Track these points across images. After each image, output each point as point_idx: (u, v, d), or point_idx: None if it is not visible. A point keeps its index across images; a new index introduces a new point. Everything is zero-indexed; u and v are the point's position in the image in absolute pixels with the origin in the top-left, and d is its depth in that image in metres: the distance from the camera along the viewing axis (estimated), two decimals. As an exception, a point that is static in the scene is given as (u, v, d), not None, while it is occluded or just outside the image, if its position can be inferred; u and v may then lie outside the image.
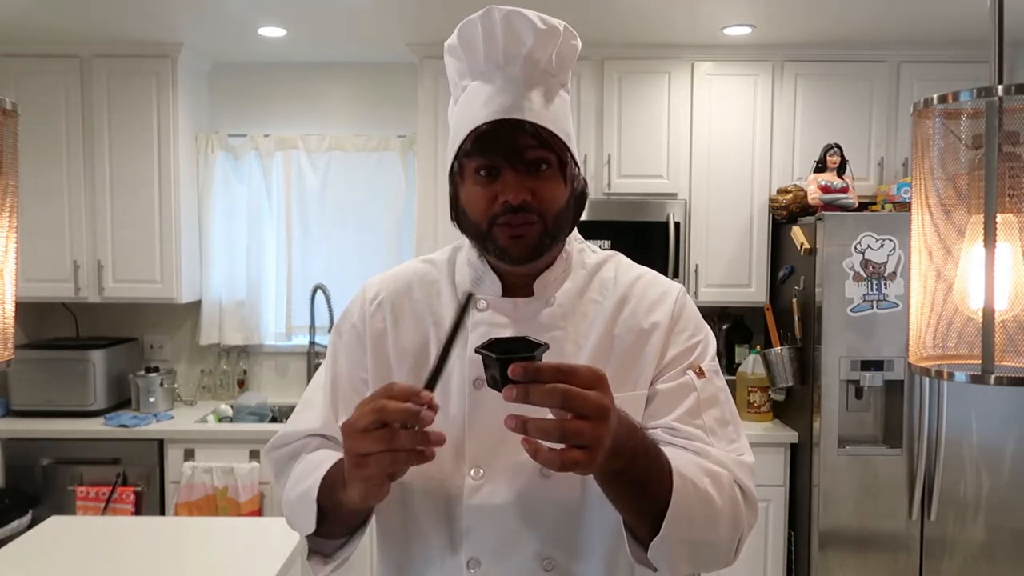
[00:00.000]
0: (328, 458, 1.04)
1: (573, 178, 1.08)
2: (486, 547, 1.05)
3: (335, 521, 1.03)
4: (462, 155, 1.05)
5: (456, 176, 1.08)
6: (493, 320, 1.09)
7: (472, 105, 1.05)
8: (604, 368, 1.06)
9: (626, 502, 0.95)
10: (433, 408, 0.86)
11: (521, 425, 0.81)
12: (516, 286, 1.12)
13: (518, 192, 1.01)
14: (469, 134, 1.03)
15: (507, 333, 1.07)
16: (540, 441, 0.81)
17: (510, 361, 0.81)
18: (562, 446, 0.81)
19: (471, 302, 0.91)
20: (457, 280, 1.15)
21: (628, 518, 0.97)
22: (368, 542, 3.22)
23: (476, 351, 0.86)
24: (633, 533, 0.98)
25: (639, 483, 0.93)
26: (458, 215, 1.09)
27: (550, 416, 0.83)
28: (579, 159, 1.10)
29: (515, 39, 1.03)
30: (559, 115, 1.06)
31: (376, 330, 1.13)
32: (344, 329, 1.17)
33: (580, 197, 1.10)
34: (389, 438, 0.84)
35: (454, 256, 1.18)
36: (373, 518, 1.12)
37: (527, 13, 1.02)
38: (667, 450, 0.98)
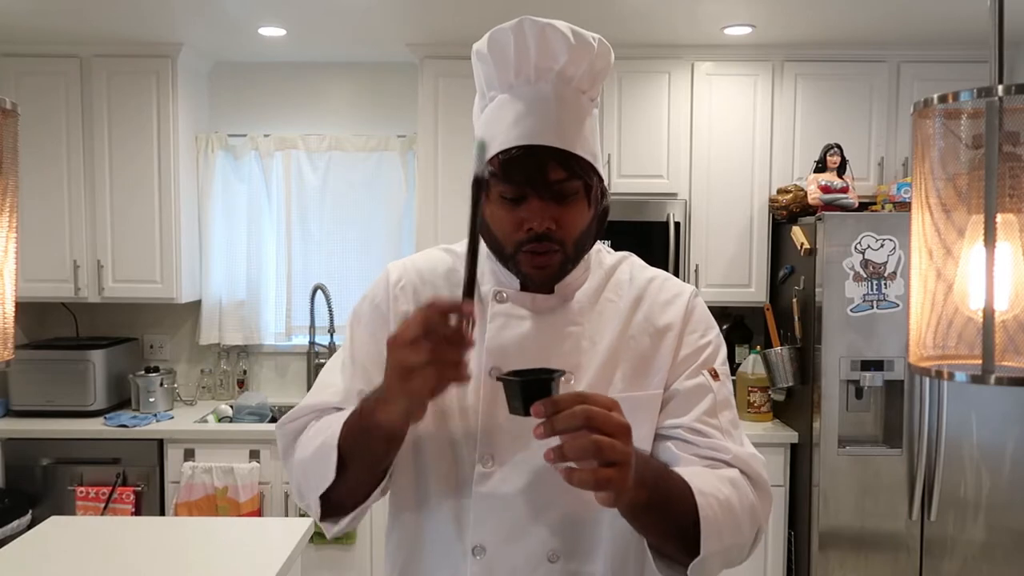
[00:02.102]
0: (347, 415, 1.03)
1: (598, 199, 1.08)
2: (492, 535, 1.06)
3: (357, 468, 1.01)
4: (488, 174, 1.03)
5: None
6: (512, 312, 1.10)
7: (500, 121, 1.03)
8: (618, 367, 1.09)
9: (653, 528, 0.98)
10: (472, 320, 0.87)
11: (559, 453, 0.83)
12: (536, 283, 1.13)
13: (542, 220, 1.02)
14: (497, 156, 1.02)
15: (526, 324, 1.09)
16: (570, 465, 0.84)
17: (529, 384, 0.84)
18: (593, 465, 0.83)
19: (485, 186, 0.90)
20: (477, 272, 1.15)
21: (654, 541, 1.00)
22: (370, 527, 3.22)
23: (497, 378, 0.90)
24: (658, 551, 1.01)
25: (663, 508, 0.95)
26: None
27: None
28: (603, 172, 1.10)
29: (548, 54, 1.01)
30: (587, 136, 1.05)
31: (400, 312, 1.14)
32: (365, 310, 1.17)
33: (603, 213, 1.11)
34: (435, 350, 0.84)
35: None
36: (385, 511, 1.13)
37: (561, 27, 1.00)
38: (681, 469, 1.01)
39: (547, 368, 0.91)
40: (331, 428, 1.02)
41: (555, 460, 0.84)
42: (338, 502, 1.05)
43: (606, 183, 1.12)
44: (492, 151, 1.03)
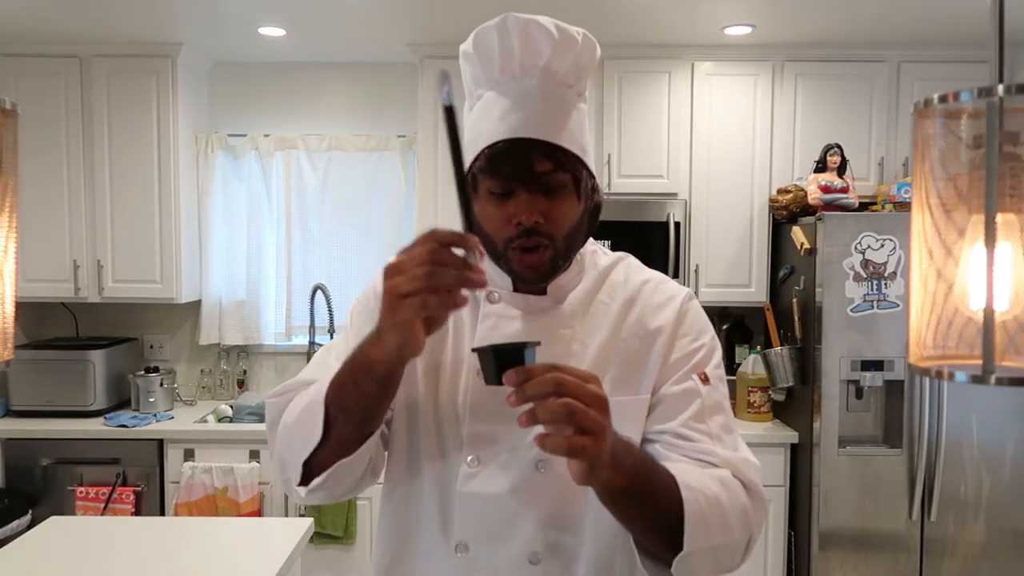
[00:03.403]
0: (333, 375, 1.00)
1: (588, 193, 1.07)
2: (475, 534, 1.07)
3: (345, 422, 0.97)
4: (476, 170, 1.04)
5: (470, 188, 1.07)
6: (504, 312, 1.10)
7: (487, 118, 1.03)
8: (607, 371, 1.08)
9: (637, 521, 0.96)
10: (480, 252, 0.85)
11: (531, 416, 0.82)
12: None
13: (530, 214, 1.01)
14: (483, 151, 1.02)
15: (517, 325, 1.09)
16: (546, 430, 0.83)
17: (501, 353, 0.83)
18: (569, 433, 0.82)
19: (454, 114, 0.86)
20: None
21: (639, 536, 0.98)
22: (370, 527, 3.22)
23: (472, 349, 0.89)
24: (645, 549, 0.99)
25: (646, 498, 0.94)
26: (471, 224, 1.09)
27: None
28: (595, 169, 1.08)
29: (532, 50, 1.01)
30: (575, 130, 1.04)
31: None
32: (369, 298, 1.17)
33: (595, 209, 1.10)
34: (431, 274, 0.82)
35: None
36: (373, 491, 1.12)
37: (544, 23, 1.00)
38: (669, 464, 1.00)
39: (524, 343, 0.89)
40: (317, 389, 1.00)
41: (527, 423, 0.82)
42: (320, 467, 1.01)
43: (604, 182, 1.12)
44: (479, 146, 1.03)
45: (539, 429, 0.84)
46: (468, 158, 1.05)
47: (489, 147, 1.01)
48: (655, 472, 0.96)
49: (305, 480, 1.03)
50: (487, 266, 1.12)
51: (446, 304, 0.84)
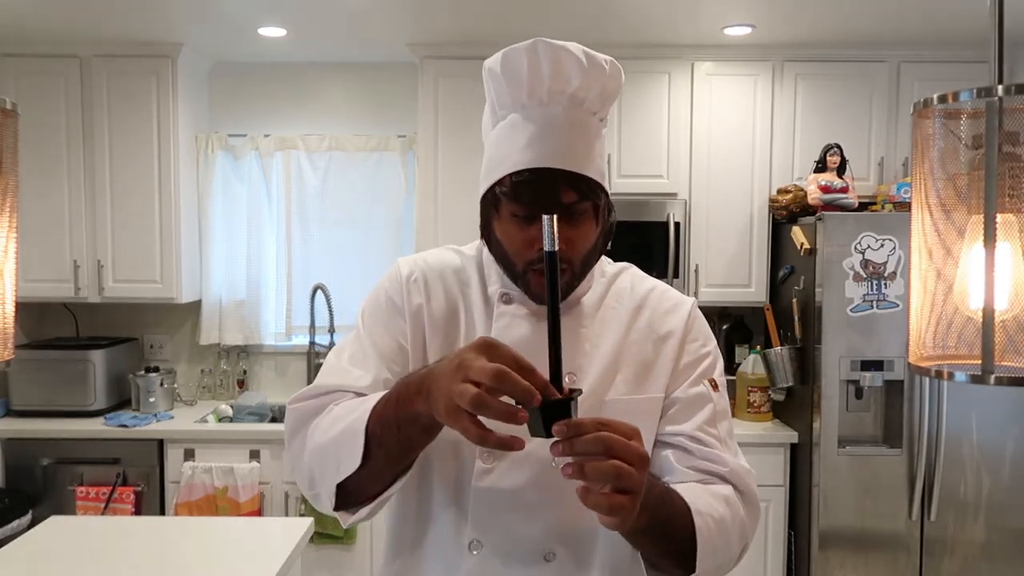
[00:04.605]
0: (373, 398, 1.00)
1: (605, 215, 1.11)
2: (489, 531, 1.08)
3: (384, 457, 0.97)
4: (500, 192, 1.06)
5: (490, 204, 1.10)
6: (517, 312, 1.12)
7: (512, 142, 1.05)
8: (618, 371, 1.12)
9: (650, 547, 1.01)
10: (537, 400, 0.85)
11: (579, 469, 0.83)
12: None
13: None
14: (508, 175, 1.04)
15: (530, 325, 1.11)
16: (589, 486, 0.84)
17: (549, 407, 0.84)
18: (607, 491, 0.84)
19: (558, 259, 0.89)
20: (486, 272, 1.18)
21: (649, 556, 1.04)
22: (370, 525, 3.22)
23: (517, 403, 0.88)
24: (652, 564, 1.05)
25: (663, 531, 0.98)
26: (489, 239, 1.12)
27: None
28: (608, 187, 1.12)
29: (561, 78, 1.03)
30: (597, 157, 1.07)
31: (414, 305, 1.15)
32: (379, 303, 1.17)
33: (610, 229, 1.14)
34: (484, 407, 0.82)
35: (482, 250, 1.21)
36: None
37: (574, 50, 1.03)
38: (679, 487, 1.04)
39: (570, 395, 0.90)
40: (355, 413, 0.99)
41: (573, 476, 0.84)
42: (353, 490, 1.01)
43: (609, 189, 1.13)
44: (504, 171, 1.05)
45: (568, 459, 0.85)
46: (491, 179, 1.08)
47: (515, 174, 1.04)
48: (671, 504, 1.01)
49: (339, 502, 1.03)
50: (500, 269, 1.14)
51: (497, 443, 0.85)
